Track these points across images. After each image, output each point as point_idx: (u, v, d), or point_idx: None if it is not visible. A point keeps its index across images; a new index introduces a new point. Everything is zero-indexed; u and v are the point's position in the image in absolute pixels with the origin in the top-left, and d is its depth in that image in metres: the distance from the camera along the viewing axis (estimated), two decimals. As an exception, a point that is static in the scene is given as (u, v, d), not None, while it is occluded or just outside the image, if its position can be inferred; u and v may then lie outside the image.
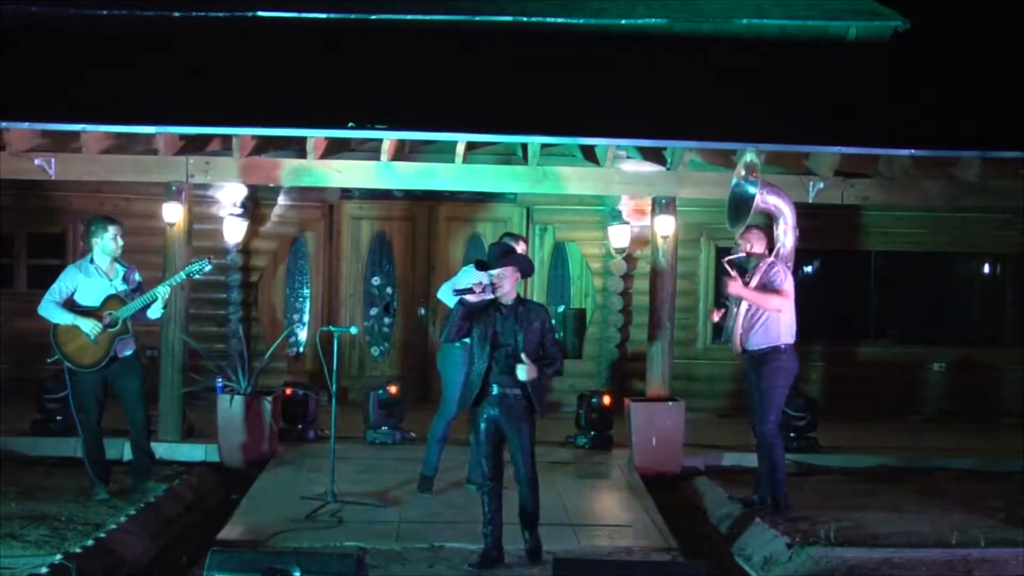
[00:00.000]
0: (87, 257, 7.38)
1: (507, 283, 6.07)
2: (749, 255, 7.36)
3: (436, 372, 8.05)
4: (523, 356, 6.00)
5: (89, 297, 7.23)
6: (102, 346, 7.19)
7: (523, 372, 6.00)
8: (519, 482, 6.26)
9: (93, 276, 7.27)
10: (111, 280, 7.30)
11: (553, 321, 6.48)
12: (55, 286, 7.24)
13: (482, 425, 6.21)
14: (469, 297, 6.05)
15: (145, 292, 7.32)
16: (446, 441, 7.78)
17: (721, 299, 7.56)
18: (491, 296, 6.08)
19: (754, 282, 7.23)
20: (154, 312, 7.30)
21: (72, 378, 7.27)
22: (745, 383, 7.66)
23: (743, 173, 7.50)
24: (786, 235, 7.50)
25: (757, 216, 7.53)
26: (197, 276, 7.51)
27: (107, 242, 7.29)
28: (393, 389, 9.49)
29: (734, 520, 7.21)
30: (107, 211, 11.35)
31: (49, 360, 7.31)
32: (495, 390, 6.12)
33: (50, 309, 7.18)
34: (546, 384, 6.29)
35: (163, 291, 7.23)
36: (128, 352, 7.37)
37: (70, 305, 7.20)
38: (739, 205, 7.50)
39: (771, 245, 7.52)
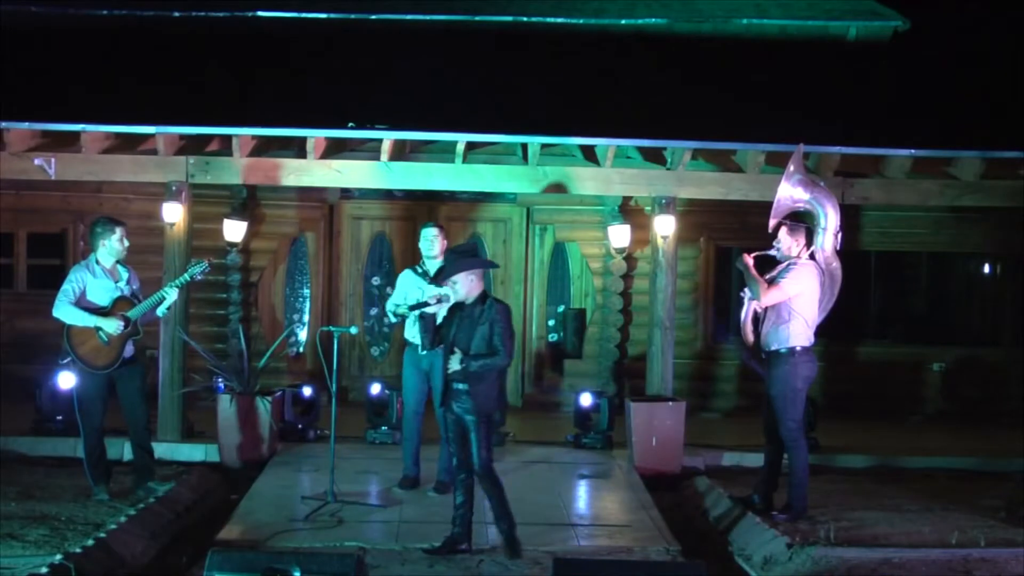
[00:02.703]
0: (91, 257, 7.36)
1: (461, 288, 6.27)
2: (780, 251, 7.28)
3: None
4: (456, 349, 6.25)
5: (98, 297, 7.22)
6: (114, 347, 7.19)
7: (451, 362, 6.25)
8: (475, 476, 6.36)
9: (100, 276, 7.27)
10: (116, 282, 7.31)
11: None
12: (66, 287, 7.19)
13: (448, 424, 6.43)
14: (428, 310, 6.35)
15: (146, 294, 7.37)
16: (416, 441, 7.90)
17: (740, 294, 7.53)
18: (448, 303, 6.37)
19: (768, 276, 7.19)
20: (159, 310, 7.39)
21: (80, 379, 7.26)
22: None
23: (791, 168, 7.33)
24: (823, 238, 7.26)
25: (805, 218, 7.43)
26: (199, 278, 7.58)
27: (114, 243, 7.29)
28: (375, 389, 9.51)
29: (734, 520, 7.20)
30: (107, 211, 11.41)
31: (62, 362, 7.31)
32: (454, 387, 6.32)
33: (68, 311, 7.13)
34: (491, 379, 6.30)
35: (172, 292, 7.33)
36: (131, 353, 7.38)
37: (81, 306, 7.18)
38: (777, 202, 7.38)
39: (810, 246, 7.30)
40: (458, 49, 11.33)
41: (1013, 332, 12.01)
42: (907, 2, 12.21)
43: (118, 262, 7.37)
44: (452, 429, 6.40)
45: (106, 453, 7.53)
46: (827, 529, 6.71)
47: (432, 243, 7.83)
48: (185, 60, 10.67)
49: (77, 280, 7.21)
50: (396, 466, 8.05)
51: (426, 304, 6.45)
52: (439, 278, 6.43)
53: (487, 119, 9.39)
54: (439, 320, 6.49)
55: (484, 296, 6.34)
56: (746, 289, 7.37)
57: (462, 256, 6.40)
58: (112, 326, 7.12)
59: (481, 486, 6.35)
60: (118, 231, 7.32)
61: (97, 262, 7.30)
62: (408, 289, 7.80)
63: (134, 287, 7.44)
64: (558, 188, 9.71)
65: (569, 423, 9.90)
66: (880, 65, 11.62)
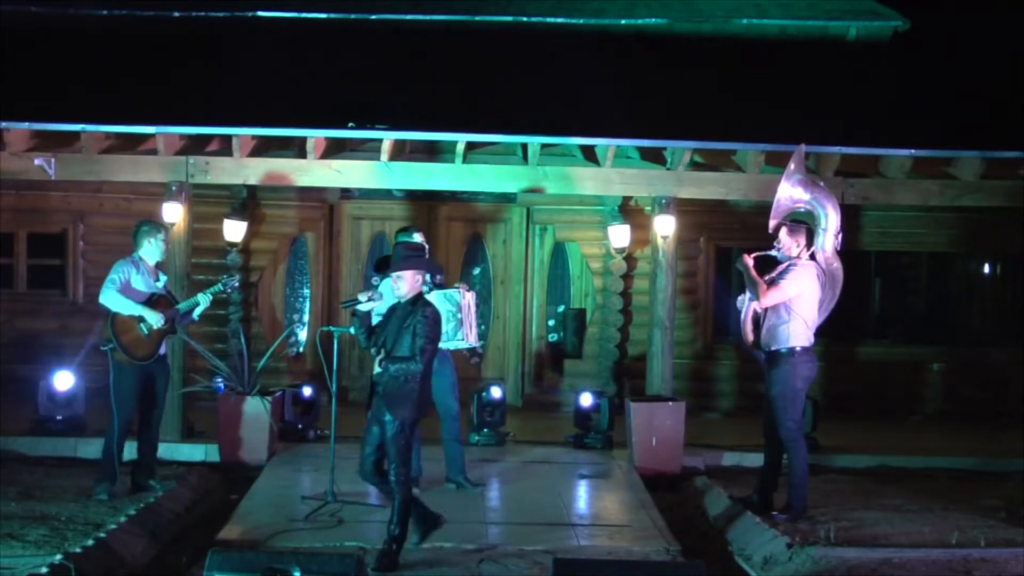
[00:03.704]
0: (134, 255, 7.50)
1: (404, 285, 6.13)
2: (780, 252, 7.27)
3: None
4: (383, 351, 6.13)
5: (139, 294, 7.38)
6: (153, 341, 7.38)
7: (376, 363, 6.15)
8: (391, 484, 6.19)
9: (143, 273, 7.45)
10: (155, 281, 7.52)
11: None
12: (113, 276, 7.34)
13: (370, 427, 6.25)
14: (361, 308, 6.19)
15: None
16: (419, 441, 7.80)
17: (739, 293, 7.53)
18: (380, 301, 6.23)
19: (768, 277, 7.18)
20: (194, 314, 7.69)
21: (117, 371, 7.34)
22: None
23: (792, 168, 7.32)
24: (824, 238, 7.23)
25: (806, 219, 7.41)
26: (229, 291, 8.06)
27: (159, 243, 7.52)
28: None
29: (734, 520, 7.20)
30: (107, 211, 11.49)
31: (103, 348, 7.36)
32: (376, 389, 6.22)
33: (115, 298, 7.27)
34: (410, 385, 6.11)
35: (205, 299, 7.59)
36: (164, 351, 7.60)
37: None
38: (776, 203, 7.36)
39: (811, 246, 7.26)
40: (458, 49, 11.32)
41: (1013, 332, 12.00)
42: (907, 2, 12.21)
43: (157, 266, 7.59)
44: (374, 432, 6.18)
45: (123, 452, 7.60)
46: (827, 529, 6.71)
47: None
48: (185, 60, 10.66)
49: (123, 272, 7.38)
50: (396, 466, 8.04)
51: (357, 301, 6.27)
52: (384, 269, 6.28)
53: (487, 119, 9.38)
54: (375, 319, 6.41)
55: (418, 298, 6.19)
56: (742, 295, 7.38)
57: (413, 253, 6.29)
58: (155, 318, 7.32)
59: (393, 492, 6.16)
60: (163, 233, 7.62)
61: (141, 259, 7.48)
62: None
63: (170, 289, 7.75)
64: (558, 188, 9.72)
65: (569, 423, 9.90)
66: (880, 65, 11.61)
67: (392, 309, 6.25)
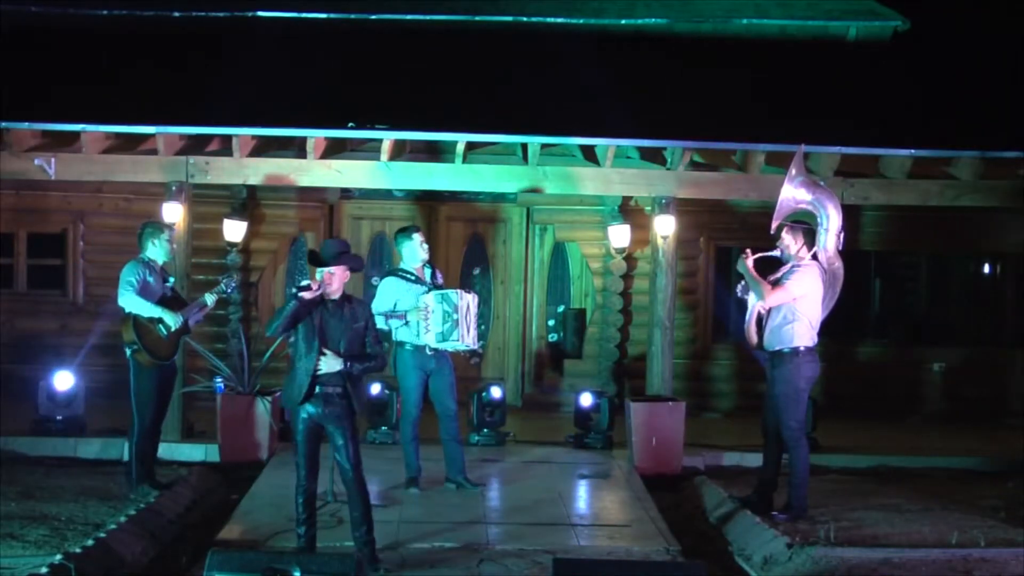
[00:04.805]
0: (143, 256, 7.50)
1: (336, 280, 6.04)
2: (783, 252, 7.27)
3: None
4: (326, 350, 5.94)
5: (151, 293, 7.39)
6: (172, 342, 7.44)
7: (325, 363, 5.93)
8: (344, 482, 6.11)
9: (155, 274, 7.47)
10: (164, 282, 7.55)
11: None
12: (129, 278, 7.31)
13: (300, 426, 6.05)
14: (306, 295, 5.96)
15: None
16: (418, 441, 7.88)
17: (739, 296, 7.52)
18: (320, 292, 6.05)
19: (772, 277, 7.18)
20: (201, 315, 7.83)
21: (138, 372, 7.35)
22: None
23: (794, 171, 7.32)
24: (826, 238, 7.22)
25: (807, 219, 7.40)
26: (229, 292, 8.09)
27: (164, 242, 7.54)
28: (375, 389, 9.50)
29: (734, 520, 7.21)
30: (107, 211, 11.49)
31: (126, 349, 7.35)
32: (318, 388, 5.98)
33: (135, 300, 7.28)
34: (363, 382, 6.27)
35: (211, 299, 7.69)
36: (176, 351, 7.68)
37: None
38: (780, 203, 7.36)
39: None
40: (458, 49, 11.33)
41: (1013, 332, 12.00)
42: (907, 2, 12.21)
43: (163, 267, 7.60)
44: (309, 434, 6.03)
45: (156, 452, 7.71)
46: (827, 529, 6.71)
47: (424, 248, 7.84)
48: (185, 60, 10.66)
49: (138, 273, 7.37)
50: (396, 466, 8.04)
51: (308, 288, 5.98)
52: (316, 263, 6.08)
53: (487, 119, 9.38)
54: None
55: (349, 295, 6.13)
56: (741, 283, 7.36)
57: (344, 249, 6.19)
58: (174, 319, 7.36)
59: (349, 489, 6.07)
60: (168, 232, 7.65)
61: (150, 260, 7.49)
62: (399, 295, 7.80)
63: (177, 290, 7.77)
64: (558, 188, 9.71)
65: (569, 423, 9.90)
66: (880, 65, 11.62)
67: (310, 306, 5.98)
